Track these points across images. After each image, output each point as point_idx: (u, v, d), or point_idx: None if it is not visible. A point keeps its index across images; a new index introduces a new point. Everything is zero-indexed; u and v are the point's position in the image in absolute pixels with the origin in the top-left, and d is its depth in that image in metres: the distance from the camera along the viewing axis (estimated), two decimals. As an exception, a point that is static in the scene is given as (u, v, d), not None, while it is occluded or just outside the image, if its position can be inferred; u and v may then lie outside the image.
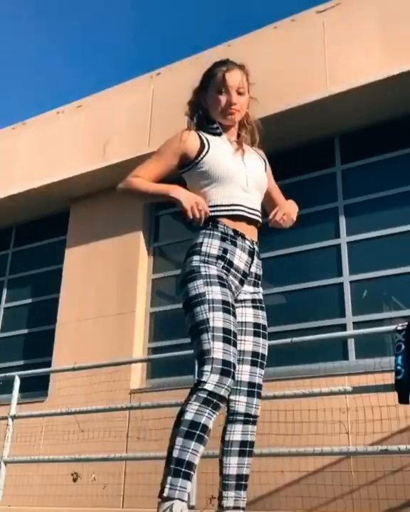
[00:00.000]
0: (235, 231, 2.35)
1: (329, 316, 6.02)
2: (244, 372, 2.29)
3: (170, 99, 7.24)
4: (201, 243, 2.33)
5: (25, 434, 6.32)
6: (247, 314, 2.37)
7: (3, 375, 5.96)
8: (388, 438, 4.76)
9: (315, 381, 5.11)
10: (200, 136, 2.47)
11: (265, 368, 2.37)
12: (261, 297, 2.45)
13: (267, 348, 2.38)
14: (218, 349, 2.11)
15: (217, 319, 2.15)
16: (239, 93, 2.47)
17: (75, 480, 6.20)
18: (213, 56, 7.16)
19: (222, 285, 2.24)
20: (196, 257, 2.31)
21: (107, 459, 5.18)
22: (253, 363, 2.32)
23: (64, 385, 6.58)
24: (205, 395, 2.06)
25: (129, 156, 7.19)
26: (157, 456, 4.55)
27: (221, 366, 2.09)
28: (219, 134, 2.50)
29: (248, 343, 2.33)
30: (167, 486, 1.98)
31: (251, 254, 2.38)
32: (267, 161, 2.65)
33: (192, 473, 2.00)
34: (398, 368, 3.61)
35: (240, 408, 2.27)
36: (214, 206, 2.37)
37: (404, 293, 5.79)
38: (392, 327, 3.91)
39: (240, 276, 2.35)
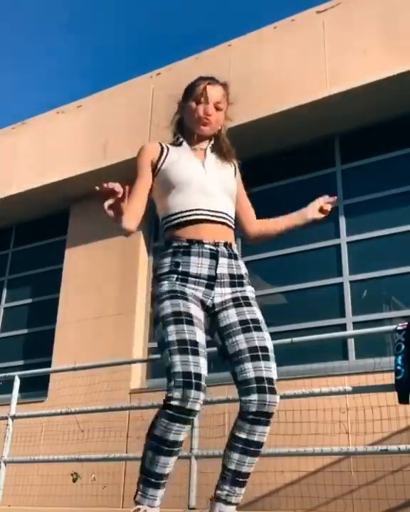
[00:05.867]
0: (190, 240, 2.37)
1: (329, 316, 6.02)
2: (248, 370, 2.22)
3: (170, 100, 7.25)
4: (155, 266, 2.43)
5: (25, 434, 6.32)
6: (230, 315, 2.33)
7: (3, 375, 5.96)
8: (388, 438, 4.76)
9: (315, 381, 5.11)
10: (161, 145, 2.54)
11: (273, 361, 2.26)
12: (247, 294, 2.39)
13: (267, 339, 2.29)
14: (175, 363, 2.15)
15: (170, 333, 2.21)
16: (217, 108, 2.52)
17: (74, 480, 6.20)
18: (213, 56, 7.23)
19: (173, 297, 2.29)
20: (154, 281, 2.41)
21: (107, 459, 5.19)
22: (254, 358, 2.23)
23: (64, 385, 6.58)
24: (171, 412, 2.13)
25: (129, 156, 7.18)
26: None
27: (181, 379, 2.12)
28: (180, 144, 2.56)
29: (240, 342, 2.27)
30: (139, 492, 2.17)
31: (214, 256, 2.36)
32: (238, 170, 2.63)
33: (162, 481, 2.17)
34: (398, 367, 3.62)
35: (252, 407, 2.21)
36: (172, 215, 2.43)
37: (404, 293, 5.79)
38: (392, 327, 3.91)
39: (205, 281, 2.34)
